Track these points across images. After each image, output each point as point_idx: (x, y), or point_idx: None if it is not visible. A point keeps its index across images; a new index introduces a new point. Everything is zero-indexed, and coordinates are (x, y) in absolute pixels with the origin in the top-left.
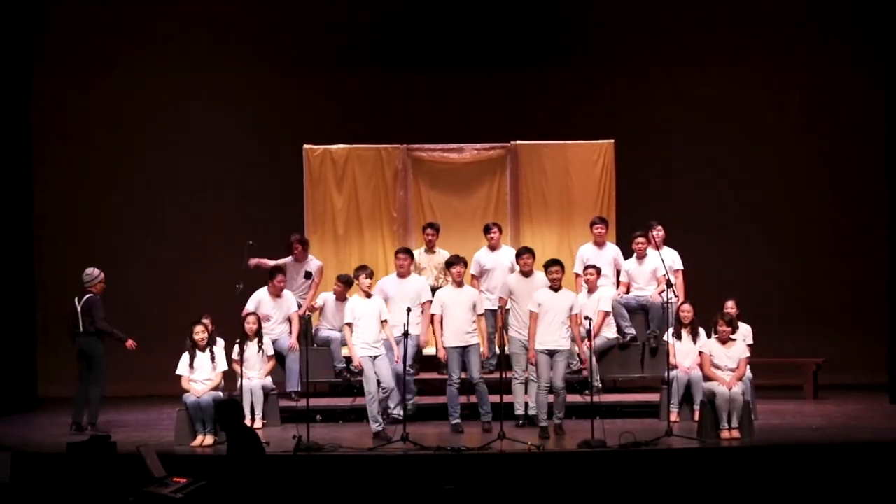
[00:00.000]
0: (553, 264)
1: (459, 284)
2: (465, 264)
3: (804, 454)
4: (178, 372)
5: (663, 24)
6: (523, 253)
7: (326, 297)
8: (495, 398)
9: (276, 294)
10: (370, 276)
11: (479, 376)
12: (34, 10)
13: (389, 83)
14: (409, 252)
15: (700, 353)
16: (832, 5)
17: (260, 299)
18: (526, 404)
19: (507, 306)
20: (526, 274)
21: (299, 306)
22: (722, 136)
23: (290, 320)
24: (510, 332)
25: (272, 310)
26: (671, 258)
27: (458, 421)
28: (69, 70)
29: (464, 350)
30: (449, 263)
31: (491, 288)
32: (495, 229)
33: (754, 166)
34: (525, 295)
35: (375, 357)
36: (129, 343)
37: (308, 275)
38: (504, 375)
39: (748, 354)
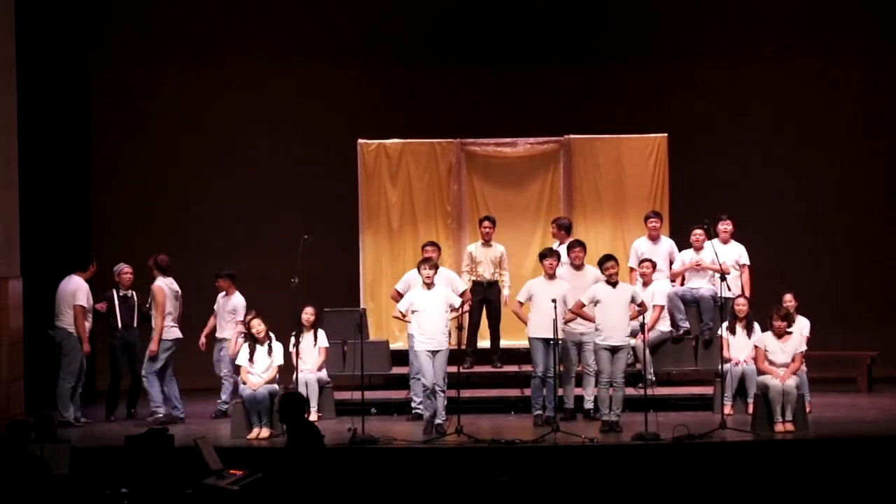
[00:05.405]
0: (608, 259)
1: (552, 277)
2: (559, 257)
3: (858, 447)
4: (237, 362)
5: (717, 18)
6: (574, 246)
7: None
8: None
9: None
10: (434, 266)
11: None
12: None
13: (443, 78)
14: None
15: (755, 346)
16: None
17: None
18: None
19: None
20: (577, 267)
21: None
22: (775, 131)
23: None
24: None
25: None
26: (738, 252)
27: (539, 412)
28: (127, 64)
29: (552, 343)
30: (542, 256)
31: None
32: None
33: (807, 161)
34: (575, 288)
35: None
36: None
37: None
38: (557, 368)
39: (804, 348)
